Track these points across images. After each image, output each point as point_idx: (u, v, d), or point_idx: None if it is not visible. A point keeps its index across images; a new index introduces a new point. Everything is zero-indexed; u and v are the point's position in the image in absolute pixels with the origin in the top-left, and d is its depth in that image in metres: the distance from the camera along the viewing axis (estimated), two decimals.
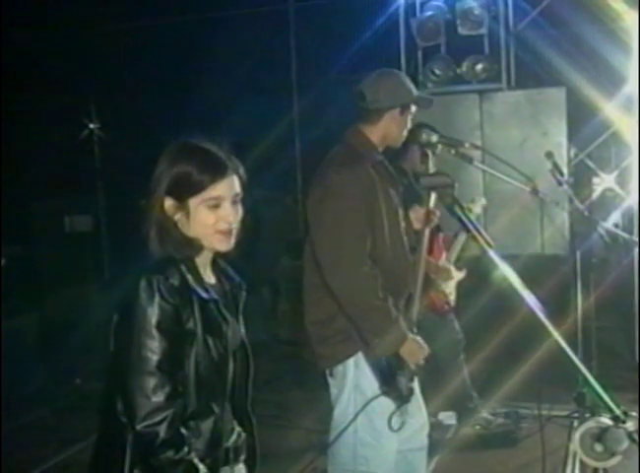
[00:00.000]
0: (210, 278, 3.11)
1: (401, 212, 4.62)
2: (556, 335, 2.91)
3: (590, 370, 2.95)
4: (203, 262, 3.07)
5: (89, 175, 11.08)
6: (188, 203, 2.96)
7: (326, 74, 9.98)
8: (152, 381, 2.80)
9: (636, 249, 7.62)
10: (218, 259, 3.16)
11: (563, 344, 2.88)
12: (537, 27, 8.65)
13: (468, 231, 3.09)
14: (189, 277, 2.94)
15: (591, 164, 8.69)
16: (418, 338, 4.43)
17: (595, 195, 8.61)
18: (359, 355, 4.44)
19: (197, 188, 2.95)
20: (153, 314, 2.81)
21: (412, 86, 4.68)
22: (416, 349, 4.41)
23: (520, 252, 7.53)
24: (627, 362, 8.15)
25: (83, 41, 10.82)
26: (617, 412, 2.73)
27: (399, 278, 4.51)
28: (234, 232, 3.04)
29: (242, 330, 3.19)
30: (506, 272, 3.04)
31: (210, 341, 2.96)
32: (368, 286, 4.31)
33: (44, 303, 9.63)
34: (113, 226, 8.37)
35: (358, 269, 4.28)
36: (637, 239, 7.20)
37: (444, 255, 6.33)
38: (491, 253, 3.01)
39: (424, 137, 5.17)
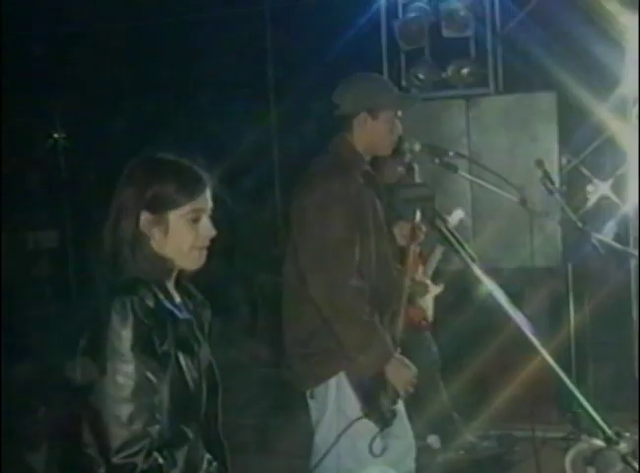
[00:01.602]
0: (176, 297, 3.14)
1: (386, 226, 4.69)
2: (544, 353, 3.00)
3: (585, 388, 3.02)
4: (170, 281, 3.12)
5: (54, 188, 11.06)
6: (167, 217, 3.03)
7: (303, 79, 10.06)
8: (127, 409, 2.80)
9: (633, 261, 7.67)
10: (181, 277, 3.19)
11: (551, 362, 2.97)
12: (525, 28, 8.74)
13: (450, 244, 3.18)
14: (161, 297, 3.00)
15: (585, 171, 8.78)
16: (406, 360, 4.49)
17: (589, 204, 8.69)
18: (341, 375, 4.49)
19: (178, 202, 3.02)
20: (127, 338, 2.83)
21: (386, 89, 4.75)
22: (401, 369, 4.46)
23: (508, 265, 7.61)
24: (626, 379, 8.20)
25: (46, 46, 10.83)
26: (609, 433, 2.77)
27: (383, 294, 4.57)
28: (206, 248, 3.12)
29: (209, 350, 3.23)
30: (491, 287, 3.12)
31: (184, 363, 3.00)
32: (355, 299, 4.36)
33: (2, 326, 9.60)
34: (81, 242, 8.37)
35: (345, 282, 4.33)
36: (635, 252, 7.25)
37: (420, 269, 6.40)
38: (475, 268, 3.10)
39: (407, 145, 5.26)
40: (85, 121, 10.96)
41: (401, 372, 4.44)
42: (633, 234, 8.09)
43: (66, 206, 10.68)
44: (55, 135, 11.06)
